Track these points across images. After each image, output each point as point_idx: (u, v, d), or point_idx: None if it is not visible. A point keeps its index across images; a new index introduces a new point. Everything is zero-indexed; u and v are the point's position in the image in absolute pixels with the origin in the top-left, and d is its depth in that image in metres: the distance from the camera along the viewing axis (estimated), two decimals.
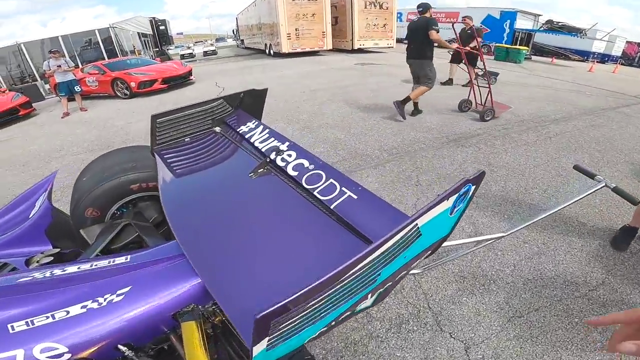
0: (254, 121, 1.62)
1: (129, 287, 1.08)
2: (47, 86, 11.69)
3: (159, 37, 24.44)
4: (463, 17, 6.68)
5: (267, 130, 1.48)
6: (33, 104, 8.46)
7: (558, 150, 3.72)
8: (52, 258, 1.50)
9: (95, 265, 1.17)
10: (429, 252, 0.96)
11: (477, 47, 5.37)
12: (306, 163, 1.17)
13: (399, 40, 18.52)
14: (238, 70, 12.05)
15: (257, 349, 0.57)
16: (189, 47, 28.16)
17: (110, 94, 8.70)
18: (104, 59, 14.07)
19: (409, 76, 4.99)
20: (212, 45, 29.65)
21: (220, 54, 25.43)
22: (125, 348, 1.07)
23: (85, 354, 1.04)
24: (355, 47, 14.95)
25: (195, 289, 1.10)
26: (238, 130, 1.58)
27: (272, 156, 1.28)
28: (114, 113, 6.95)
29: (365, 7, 14.54)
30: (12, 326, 0.99)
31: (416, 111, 5.03)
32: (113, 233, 1.57)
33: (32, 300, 1.05)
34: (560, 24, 17.65)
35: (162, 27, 24.21)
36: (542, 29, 17.76)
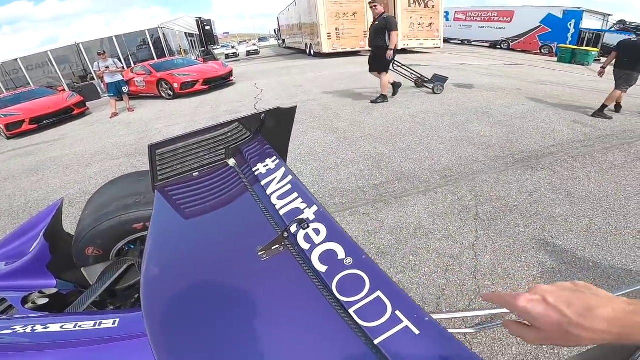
0: (274, 159, 1.23)
1: None
2: (102, 85, 12.53)
3: (205, 36, 25.37)
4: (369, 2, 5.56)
5: (289, 179, 1.08)
6: (88, 103, 9.00)
7: None
8: (47, 299, 1.41)
9: (80, 326, 0.99)
10: None
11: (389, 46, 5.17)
12: (340, 253, 0.77)
13: (446, 40, 17.41)
14: (277, 71, 11.96)
15: None
16: (233, 47, 29.16)
17: (156, 95, 8.98)
18: (153, 59, 14.76)
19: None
20: (254, 45, 30.41)
21: (262, 54, 25.94)
22: None
23: None
24: (399, 48, 14.26)
25: None
26: (254, 168, 1.21)
27: (293, 229, 0.87)
28: (157, 114, 7.10)
29: (410, 6, 13.81)
30: None
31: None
32: (116, 275, 1.42)
33: None
34: (634, 24, 16.07)
35: (207, 27, 25.08)
36: (614, 29, 16.14)
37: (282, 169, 1.14)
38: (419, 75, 6.44)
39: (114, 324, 0.97)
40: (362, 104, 5.91)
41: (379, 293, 0.65)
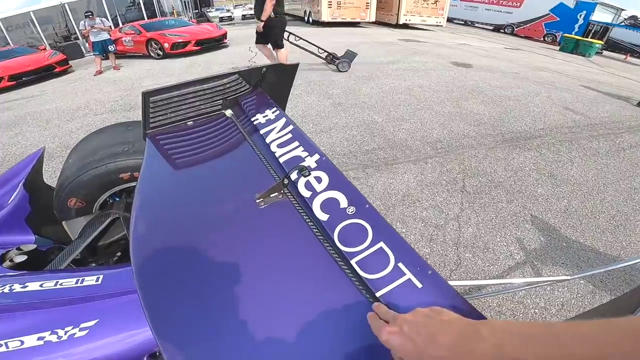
0: (274, 109, 1.19)
1: (96, 321, 0.86)
2: (87, 44, 11.88)
3: None
4: None
5: (290, 128, 1.05)
6: (71, 62, 8.54)
7: (633, 165, 3.05)
8: (25, 257, 1.30)
9: (61, 284, 0.95)
10: None
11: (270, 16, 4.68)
12: (343, 201, 0.73)
13: (449, 20, 16.99)
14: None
15: None
16: (228, 10, 27.71)
17: (144, 54, 8.58)
18: (144, 19, 14.02)
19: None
20: (251, 9, 28.92)
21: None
22: None
23: None
24: (400, 22, 13.94)
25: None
26: (252, 119, 1.17)
27: (293, 176, 0.84)
28: (145, 73, 6.81)
29: None
30: None
31: None
32: (99, 228, 1.34)
33: None
34: None
35: None
36: (624, 24, 16.04)
37: (283, 119, 1.10)
38: (323, 50, 6.04)
39: (97, 281, 0.95)
40: (358, 73, 5.79)
41: (381, 244, 0.62)
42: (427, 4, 13.91)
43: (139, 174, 1.40)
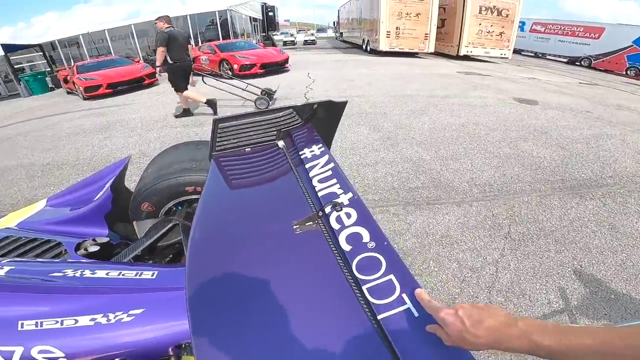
0: (320, 146, 1.34)
1: (142, 310, 1.01)
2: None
3: (267, 22, 26.16)
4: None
5: (330, 166, 1.18)
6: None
7: None
8: (98, 247, 1.55)
9: (122, 275, 1.13)
10: None
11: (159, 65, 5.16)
12: (365, 236, 0.86)
13: (516, 51, 16.23)
14: (332, 63, 12.04)
15: None
16: (292, 35, 29.65)
17: (217, 73, 9.57)
18: (219, 39, 15.59)
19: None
20: (312, 35, 30.62)
21: (319, 44, 26.11)
22: None
23: None
24: (461, 54, 13.61)
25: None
26: (300, 152, 1.32)
27: (327, 210, 0.97)
28: (216, 91, 7.57)
29: (480, 12, 13.07)
30: (22, 323, 1.02)
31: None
32: (159, 233, 1.55)
33: (51, 302, 1.06)
34: None
35: (270, 13, 25.86)
36: None
37: (326, 157, 1.24)
38: (241, 88, 6.02)
39: (152, 275, 1.10)
40: (412, 106, 5.83)
41: (391, 276, 0.72)
42: (491, 35, 13.47)
43: (201, 189, 1.65)
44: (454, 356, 0.57)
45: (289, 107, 1.53)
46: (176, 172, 1.64)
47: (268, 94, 6.03)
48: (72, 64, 12.14)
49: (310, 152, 1.31)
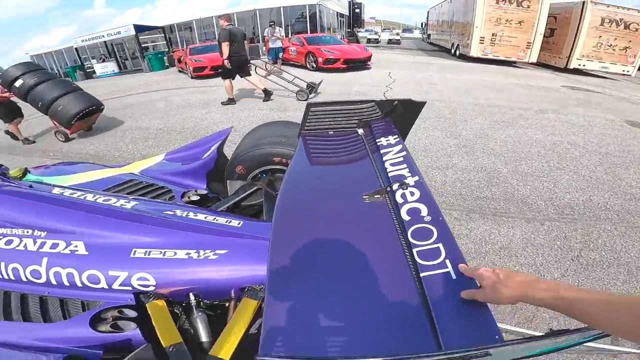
0: (395, 137, 1.48)
1: (226, 251, 1.22)
2: (264, 48, 14.85)
3: (353, 19, 26.33)
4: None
5: (403, 154, 1.32)
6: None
7: None
8: (198, 197, 1.86)
9: (216, 220, 1.37)
10: None
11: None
12: (424, 211, 0.99)
13: None
14: (415, 65, 11.72)
15: None
16: (376, 33, 29.33)
17: (302, 64, 10.15)
18: (306, 32, 16.33)
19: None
20: (397, 34, 29.84)
21: (403, 44, 25.38)
22: (194, 297, 1.24)
23: (164, 290, 1.23)
24: (571, 66, 11.94)
25: (263, 276, 1.13)
26: (377, 140, 1.48)
27: (394, 187, 1.11)
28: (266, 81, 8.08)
29: (602, 24, 11.30)
30: (135, 251, 1.26)
31: None
32: (245, 193, 1.79)
33: (160, 235, 1.31)
34: None
35: (357, 10, 25.88)
36: None
37: (400, 146, 1.38)
38: (289, 81, 6.41)
39: (238, 224, 1.32)
40: (497, 117, 5.44)
41: (440, 245, 0.85)
42: (613, 49, 11.52)
43: (286, 160, 1.92)
44: (478, 314, 0.68)
45: (371, 100, 1.70)
46: (268, 144, 1.92)
47: (311, 87, 6.44)
48: (185, 46, 14.05)
49: (387, 141, 1.46)
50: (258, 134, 2.11)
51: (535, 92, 7.71)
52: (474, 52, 12.70)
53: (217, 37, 5.95)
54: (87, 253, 1.25)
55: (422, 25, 32.59)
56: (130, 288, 1.21)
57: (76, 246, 1.27)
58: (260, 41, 16.70)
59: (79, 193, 1.59)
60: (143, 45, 17.21)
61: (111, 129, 5.38)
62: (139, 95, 8.17)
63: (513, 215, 2.77)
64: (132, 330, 1.12)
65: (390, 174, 1.20)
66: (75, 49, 18.80)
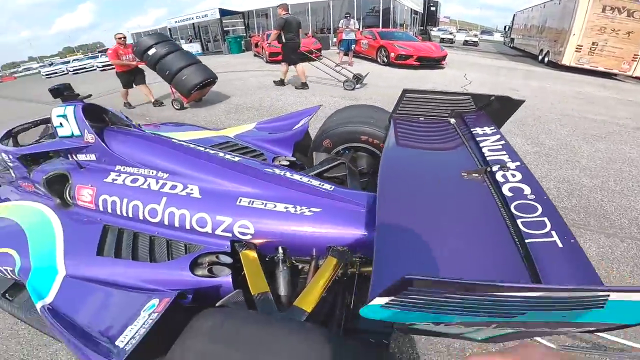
0: (492, 128, 1.51)
1: (320, 209, 1.35)
2: (334, 39, 15.02)
3: (427, 16, 25.17)
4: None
5: (502, 142, 1.35)
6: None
7: None
8: (288, 163, 2.03)
9: (310, 182, 1.51)
10: (595, 329, 0.69)
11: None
12: (527, 190, 1.00)
13: None
14: (494, 69, 10.93)
15: (377, 301, 0.62)
16: (451, 33, 27.67)
17: (372, 58, 10.12)
18: (377, 26, 16.07)
19: None
20: (475, 36, 27.78)
21: (481, 47, 23.65)
22: (282, 251, 1.37)
23: (258, 241, 1.37)
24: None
25: (357, 239, 1.27)
26: (472, 129, 1.51)
27: (494, 169, 1.14)
28: (369, 73, 8.10)
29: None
30: (240, 199, 1.42)
31: None
32: (329, 165, 1.94)
33: (262, 187, 1.47)
34: None
35: (432, 8, 24.69)
36: None
37: (498, 135, 1.41)
38: (336, 71, 6.74)
39: (330, 188, 1.46)
40: (587, 130, 4.92)
41: (545, 218, 0.87)
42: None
43: (372, 140, 2.02)
44: (586, 277, 0.70)
45: (467, 94, 1.73)
46: (357, 123, 2.03)
47: (358, 78, 6.67)
48: (262, 32, 14.81)
49: (482, 131, 1.50)
50: (347, 113, 2.23)
51: (636, 109, 6.75)
52: (567, 60, 11.40)
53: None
54: (200, 197, 1.45)
55: (505, 29, 29.98)
56: (230, 235, 1.36)
57: (192, 189, 1.48)
58: (331, 32, 16.90)
59: (193, 145, 1.87)
60: (225, 29, 18.48)
61: (197, 102, 6.00)
62: (221, 74, 8.89)
63: (592, 229, 2.60)
64: (225, 277, 1.23)
65: (489, 158, 1.23)
66: (169, 29, 20.91)
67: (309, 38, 12.02)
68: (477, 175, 1.18)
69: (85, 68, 19.22)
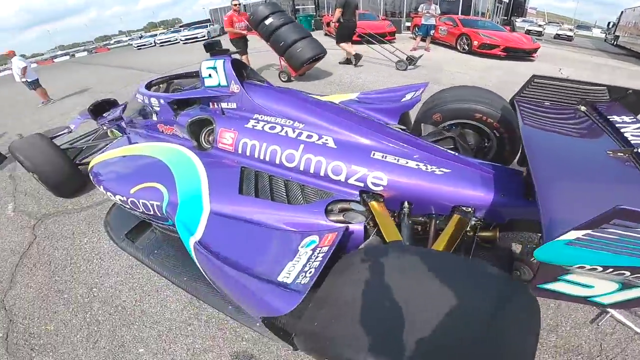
0: (632, 117, 1.43)
1: (449, 170, 1.42)
2: (407, 24, 14.41)
3: (514, 6, 22.73)
4: None
5: None
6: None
7: None
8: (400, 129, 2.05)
9: (434, 146, 1.61)
10: None
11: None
12: None
13: None
14: (593, 66, 9.64)
15: (568, 236, 0.64)
16: (539, 25, 24.80)
17: (451, 45, 9.56)
18: (457, 13, 14.97)
19: None
20: (570, 30, 24.54)
21: (576, 42, 20.93)
22: (407, 206, 1.45)
23: (388, 193, 1.44)
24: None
25: (483, 203, 1.33)
26: (608, 117, 1.43)
27: None
28: (449, 60, 7.77)
29: None
30: (374, 153, 1.51)
31: None
32: (435, 138, 1.97)
33: (394, 144, 1.55)
34: None
35: None
36: None
37: (638, 124, 1.32)
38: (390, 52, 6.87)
39: (454, 152, 1.53)
40: None
41: None
42: None
43: (486, 118, 1.97)
44: None
45: (603, 85, 1.64)
46: (472, 101, 2.02)
47: (410, 60, 6.74)
48: (332, 12, 14.65)
49: (620, 118, 1.42)
50: (460, 92, 2.19)
51: None
52: None
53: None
54: (335, 147, 1.56)
55: (608, 25, 26.06)
56: (362, 184, 1.45)
57: (327, 140, 1.59)
58: (404, 16, 16.22)
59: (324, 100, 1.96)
60: (296, 7, 18.66)
61: (300, 77, 6.10)
62: None
63: None
64: (358, 223, 1.30)
65: (633, 141, 1.18)
66: (243, 5, 21.69)
67: (383, 20, 11.66)
68: (622, 154, 1.15)
69: (170, 41, 20.93)
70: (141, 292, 1.96)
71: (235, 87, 1.83)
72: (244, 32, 5.81)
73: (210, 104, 1.98)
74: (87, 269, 2.23)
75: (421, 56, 6.92)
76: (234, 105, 1.87)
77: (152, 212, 1.62)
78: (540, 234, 0.88)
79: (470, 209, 1.37)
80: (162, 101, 2.08)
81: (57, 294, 2.07)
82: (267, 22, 5.28)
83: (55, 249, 2.49)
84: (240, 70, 1.98)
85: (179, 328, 1.73)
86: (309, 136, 1.62)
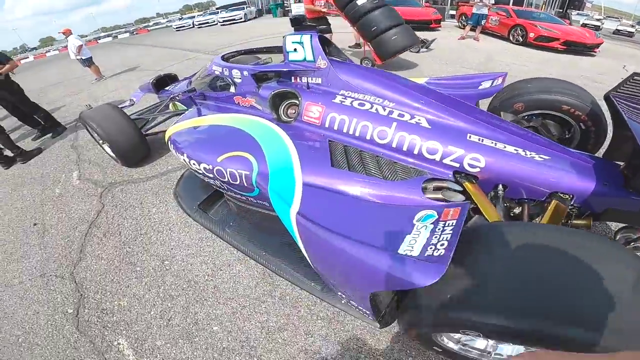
0: None
1: (549, 157, 1.41)
2: (451, 12, 13.78)
3: None
4: None
5: None
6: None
7: None
8: None
9: (528, 133, 1.57)
10: None
11: None
12: None
13: None
14: None
15: None
16: (598, 20, 22.93)
17: (502, 35, 9.08)
18: (508, 3, 14.14)
19: None
20: (632, 26, 22.53)
21: (637, 38, 19.23)
22: (502, 189, 1.42)
23: (483, 175, 1.42)
24: None
25: (581, 191, 1.31)
26: None
27: None
28: (500, 51, 7.39)
29: None
30: (469, 136, 1.48)
31: None
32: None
33: (489, 129, 1.52)
34: None
35: None
36: None
37: None
38: None
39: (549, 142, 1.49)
40: None
41: None
42: None
43: (574, 110, 1.89)
44: None
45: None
46: (559, 93, 1.95)
47: (423, 43, 6.72)
48: None
49: None
50: (544, 83, 2.11)
51: None
52: None
53: None
54: (429, 127, 1.52)
55: None
56: (457, 165, 1.43)
57: (419, 120, 1.56)
58: (448, 4, 15.59)
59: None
60: None
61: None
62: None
63: None
64: (458, 202, 1.26)
65: None
66: None
67: (427, 7, 11.21)
68: None
69: (207, 23, 21.29)
70: (213, 267, 1.89)
71: (322, 63, 1.84)
72: (324, 9, 5.41)
73: (293, 78, 2.01)
74: (157, 240, 2.15)
75: (434, 40, 6.88)
76: (319, 81, 1.88)
77: (238, 182, 1.62)
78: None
79: (568, 196, 1.35)
80: (245, 73, 2.11)
81: (129, 267, 1.98)
82: (360, 2, 4.80)
83: (124, 219, 2.43)
84: (324, 47, 1.98)
85: (253, 305, 1.66)
86: (401, 115, 1.62)
